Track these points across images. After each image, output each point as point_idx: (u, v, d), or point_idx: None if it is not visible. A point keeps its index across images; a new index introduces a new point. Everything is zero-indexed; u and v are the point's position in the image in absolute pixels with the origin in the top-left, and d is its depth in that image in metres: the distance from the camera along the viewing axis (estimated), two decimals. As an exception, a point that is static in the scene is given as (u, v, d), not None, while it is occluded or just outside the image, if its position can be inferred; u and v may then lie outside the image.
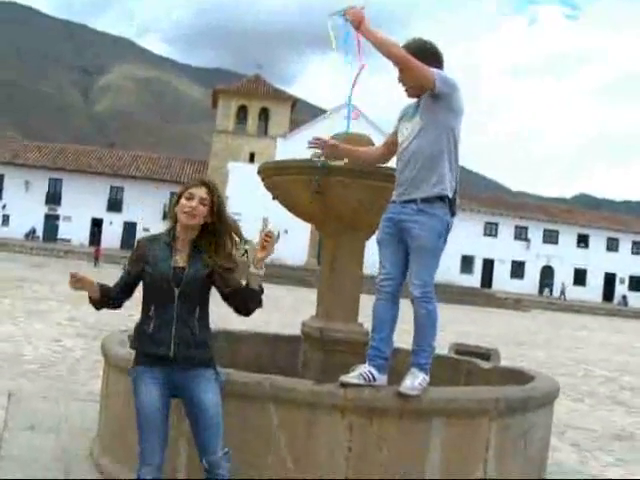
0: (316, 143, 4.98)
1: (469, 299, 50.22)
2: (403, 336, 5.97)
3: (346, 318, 5.80)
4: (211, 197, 3.89)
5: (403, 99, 4.68)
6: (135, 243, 4.02)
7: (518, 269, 70.90)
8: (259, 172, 5.99)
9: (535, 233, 71.39)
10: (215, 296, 4.01)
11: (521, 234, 71.40)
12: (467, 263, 68.83)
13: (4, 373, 9.55)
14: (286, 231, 57.89)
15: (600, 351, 23.85)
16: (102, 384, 5.58)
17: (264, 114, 65.56)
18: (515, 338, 25.43)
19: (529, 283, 70.03)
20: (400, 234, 4.42)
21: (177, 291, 3.78)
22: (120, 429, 4.93)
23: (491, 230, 70.55)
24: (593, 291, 71.40)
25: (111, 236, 64.41)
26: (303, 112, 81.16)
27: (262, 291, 3.91)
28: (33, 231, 63.51)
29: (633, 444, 9.48)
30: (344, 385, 4.29)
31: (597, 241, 72.45)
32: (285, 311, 24.59)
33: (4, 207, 64.53)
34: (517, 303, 54.10)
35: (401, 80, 4.49)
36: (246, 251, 3.95)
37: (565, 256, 70.97)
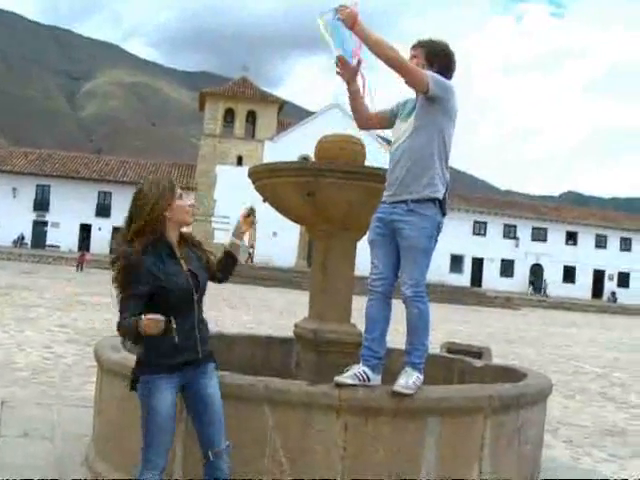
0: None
1: (459, 298, 50.33)
2: (397, 337, 6.00)
3: (339, 319, 5.81)
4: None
5: (400, 97, 4.69)
6: (136, 264, 3.63)
7: (507, 267, 71.01)
8: (249, 175, 5.99)
9: (524, 231, 71.51)
10: (212, 300, 4.02)
11: (510, 232, 71.53)
12: (457, 262, 68.89)
13: (-4, 381, 9.52)
14: (275, 233, 57.97)
15: (590, 348, 23.95)
16: (96, 389, 5.57)
17: (251, 117, 65.48)
18: (506, 336, 25.51)
19: (519, 281, 70.15)
20: (391, 234, 4.43)
21: (196, 297, 3.83)
22: (115, 433, 4.93)
23: (480, 229, 70.65)
24: (582, 288, 71.60)
25: (100, 241, 64.14)
26: (290, 114, 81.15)
27: (237, 260, 4.17)
28: (21, 238, 63.17)
29: (625, 439, 9.53)
30: (338, 385, 4.30)
31: (586, 238, 72.66)
32: (277, 313, 24.60)
33: (-9, 214, 64.20)
34: (507, 301, 54.23)
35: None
36: (250, 254, 4.05)
37: (554, 254, 71.13)
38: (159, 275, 3.68)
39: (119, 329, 3.65)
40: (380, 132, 5.16)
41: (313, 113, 67.42)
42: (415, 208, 4.34)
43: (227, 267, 4.16)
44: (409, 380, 4.29)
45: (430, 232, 4.38)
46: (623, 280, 73.27)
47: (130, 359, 4.95)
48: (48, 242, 63.67)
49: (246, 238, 4.09)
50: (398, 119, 4.57)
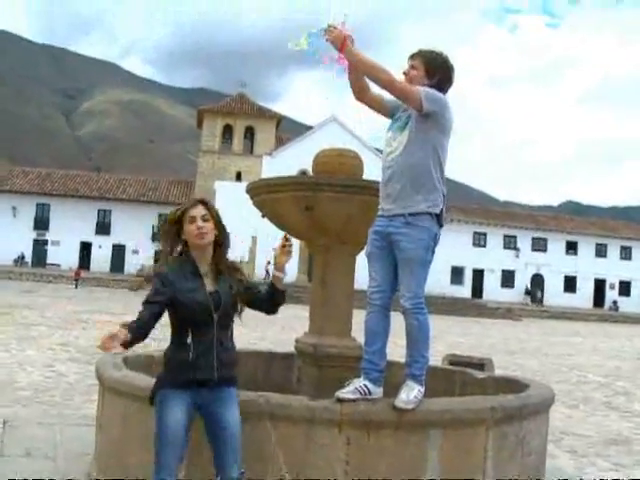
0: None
1: (460, 310, 50.22)
2: (395, 349, 6.00)
3: (339, 333, 5.81)
4: (210, 211, 3.96)
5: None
6: (156, 275, 3.91)
7: (508, 278, 70.96)
8: (247, 191, 6.01)
9: (524, 242, 71.50)
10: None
11: (510, 243, 71.52)
12: (457, 274, 68.86)
13: (-3, 401, 9.50)
14: (274, 249, 57.70)
15: (592, 357, 23.91)
16: (97, 407, 5.57)
17: (249, 132, 65.60)
18: (508, 347, 25.46)
19: (520, 292, 70.06)
20: (389, 247, 4.44)
21: (216, 317, 3.86)
22: (117, 451, 4.92)
23: (480, 240, 70.65)
24: (584, 297, 71.52)
25: (100, 259, 64.24)
26: (288, 129, 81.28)
27: (285, 290, 4.18)
28: (22, 257, 63.18)
29: (630, 448, 9.49)
30: (340, 400, 4.30)
31: (586, 247, 72.63)
32: (278, 328, 24.55)
33: (-9, 234, 64.21)
34: (508, 312, 54.14)
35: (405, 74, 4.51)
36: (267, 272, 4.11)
37: (554, 263, 71.10)
38: (177, 289, 3.82)
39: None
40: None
41: (311, 128, 67.51)
42: (412, 221, 4.35)
43: (272, 300, 4.18)
44: (410, 394, 4.29)
45: (427, 244, 4.39)
46: (624, 289, 73.22)
47: (131, 377, 4.97)
48: (49, 261, 63.69)
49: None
50: (391, 129, 4.56)
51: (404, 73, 4.50)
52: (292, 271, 61.18)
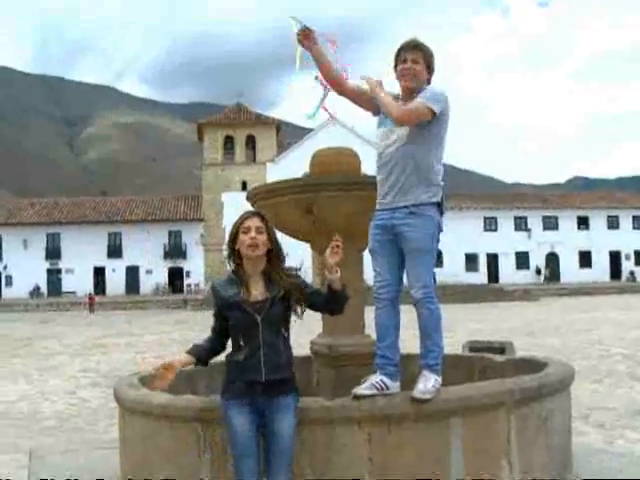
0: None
1: (477, 296, 50.06)
2: (405, 343, 5.97)
3: (352, 331, 5.79)
4: (265, 224, 4.11)
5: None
6: (211, 288, 4.20)
7: (523, 260, 70.74)
8: (248, 198, 6.01)
9: (535, 222, 71.29)
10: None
11: (521, 225, 71.32)
12: (471, 261, 68.75)
13: (23, 432, 9.54)
14: (287, 253, 57.65)
15: (613, 330, 23.77)
16: (119, 428, 5.56)
17: (251, 141, 65.76)
18: (528, 329, 25.36)
19: (535, 272, 69.88)
20: (393, 240, 4.42)
21: (259, 318, 3.97)
22: (141, 470, 4.90)
23: (491, 225, 70.48)
24: (600, 271, 71.21)
25: (115, 283, 64.42)
26: (289, 134, 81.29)
27: (345, 287, 4.21)
28: (37, 288, 63.48)
29: (658, 418, 9.44)
30: (357, 397, 4.28)
31: (597, 221, 72.33)
32: (295, 331, 24.53)
33: (5, 268, 64.52)
34: (525, 294, 53.94)
35: (408, 70, 4.49)
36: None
37: (567, 240, 70.84)
38: (222, 297, 4.07)
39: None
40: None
41: (312, 130, 67.53)
42: (415, 210, 4.35)
43: (333, 301, 4.23)
44: (427, 384, 4.27)
45: (433, 232, 4.39)
46: (640, 258, 72.87)
47: (148, 395, 4.97)
48: (64, 289, 63.98)
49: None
50: (386, 123, 4.54)
51: (408, 68, 4.46)
52: (306, 275, 61.21)
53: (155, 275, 65.14)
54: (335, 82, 4.74)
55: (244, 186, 63.06)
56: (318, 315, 4.84)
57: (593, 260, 71.97)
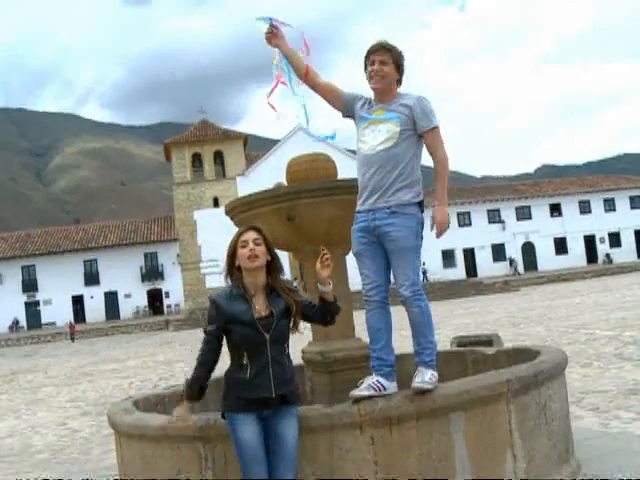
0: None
1: (458, 292, 50.30)
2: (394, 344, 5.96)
3: (343, 336, 5.78)
4: (262, 236, 4.09)
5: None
6: (210, 302, 4.08)
7: (499, 252, 71.04)
8: (227, 213, 5.98)
9: (508, 213, 71.66)
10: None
11: (494, 217, 71.66)
12: (448, 257, 68.91)
13: (16, 467, 9.41)
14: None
15: (596, 312, 23.92)
16: (117, 454, 5.50)
17: (218, 157, 65.50)
18: (512, 319, 25.47)
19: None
20: (376, 241, 4.41)
21: (268, 337, 3.94)
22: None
23: (464, 220, 70.73)
24: (576, 256, 71.66)
25: (94, 310, 63.90)
26: (257, 147, 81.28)
27: (336, 299, 4.26)
28: (16, 322, 62.80)
29: (650, 396, 9.49)
30: (356, 400, 4.26)
31: (569, 207, 72.81)
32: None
33: (-18, 304, 63.80)
34: (505, 285, 54.26)
35: (376, 72, 4.50)
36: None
37: (542, 229, 71.24)
38: (227, 313, 3.98)
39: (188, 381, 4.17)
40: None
41: (279, 141, 67.49)
42: (397, 210, 4.34)
43: (326, 312, 4.26)
44: (425, 377, 4.27)
45: (416, 230, 4.40)
46: (614, 240, 73.39)
47: (143, 418, 4.92)
48: (43, 321, 63.33)
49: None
50: (368, 122, 4.52)
51: (376, 70, 4.47)
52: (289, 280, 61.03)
53: (134, 298, 64.73)
54: (307, 77, 4.74)
55: (216, 202, 62.86)
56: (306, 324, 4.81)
57: (569, 246, 72.43)
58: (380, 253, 4.44)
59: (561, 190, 73.79)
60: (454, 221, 69.10)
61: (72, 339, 49.10)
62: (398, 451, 4.22)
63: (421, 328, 4.38)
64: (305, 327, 4.35)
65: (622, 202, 74.07)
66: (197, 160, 65.34)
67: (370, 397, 4.26)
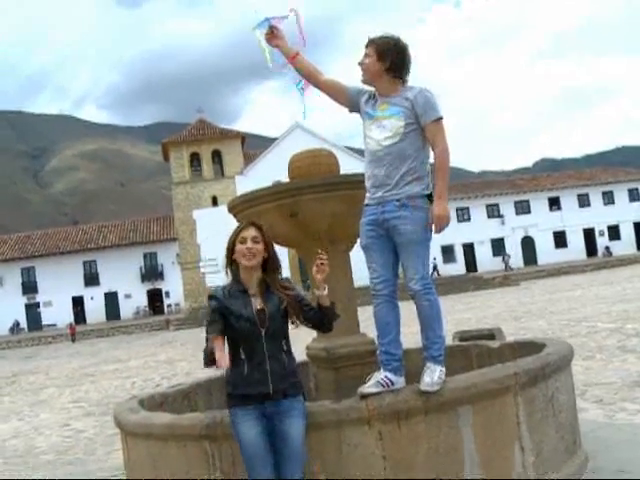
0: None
1: (458, 287, 50.23)
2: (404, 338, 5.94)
3: (348, 331, 5.75)
4: (261, 234, 4.09)
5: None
6: (209, 297, 4.08)
7: (498, 247, 71.01)
8: (230, 210, 5.95)
9: (507, 208, 71.64)
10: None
11: (493, 212, 71.64)
12: (448, 252, 68.90)
13: (21, 469, 9.41)
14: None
15: (597, 305, 23.93)
16: (123, 454, 5.48)
17: (217, 156, 65.46)
18: (513, 313, 25.49)
19: (513, 258, 70.14)
20: (385, 234, 4.39)
21: (263, 331, 3.95)
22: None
23: (464, 215, 70.71)
24: (576, 250, 71.62)
25: (95, 311, 63.87)
26: (255, 145, 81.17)
27: (334, 304, 4.21)
28: (17, 324, 62.76)
29: (655, 387, 9.49)
30: (364, 396, 4.24)
31: (568, 201, 72.76)
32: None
33: (-18, 307, 63.75)
34: (505, 279, 54.21)
35: (359, 64, 4.52)
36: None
37: (541, 223, 71.22)
38: (225, 307, 3.97)
39: (204, 351, 3.95)
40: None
41: (276, 139, 67.44)
42: (407, 202, 4.32)
43: (323, 318, 4.21)
44: (434, 376, 4.25)
45: (426, 222, 4.36)
46: (614, 233, 73.35)
47: (149, 417, 4.90)
48: (44, 322, 63.30)
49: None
50: (374, 118, 4.50)
51: (359, 63, 4.52)
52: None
53: (134, 299, 64.70)
54: (309, 74, 4.74)
55: (214, 201, 62.87)
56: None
57: (568, 240, 72.40)
58: (389, 246, 4.42)
59: (560, 184, 73.75)
60: (453, 216, 68.92)
61: (73, 340, 49.18)
62: (407, 446, 4.20)
63: (430, 322, 4.37)
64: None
65: (621, 195, 74.04)
66: (195, 160, 65.32)
67: (378, 393, 4.25)
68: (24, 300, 64.17)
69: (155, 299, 65.40)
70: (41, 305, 64.16)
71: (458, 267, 67.73)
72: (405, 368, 4.49)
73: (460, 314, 27.67)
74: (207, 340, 3.94)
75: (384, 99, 4.48)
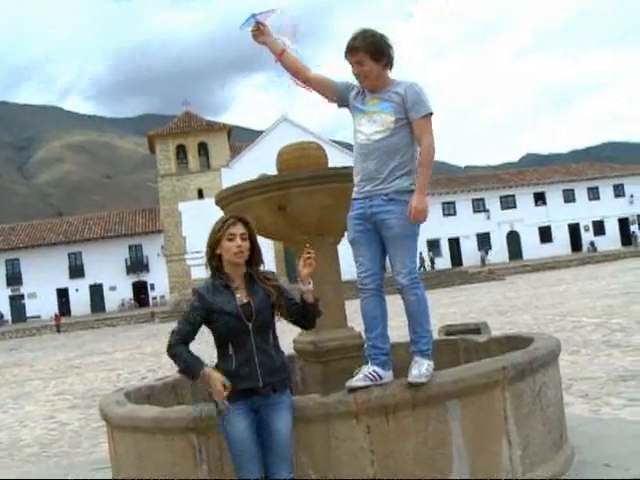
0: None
1: (443, 281, 50.41)
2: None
3: (335, 325, 5.74)
4: (248, 230, 4.07)
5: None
6: (193, 293, 4.06)
7: (484, 241, 71.19)
8: (217, 202, 5.92)
9: (492, 202, 71.80)
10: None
11: (479, 206, 71.79)
12: (434, 246, 68.99)
13: (6, 462, 9.36)
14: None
15: (582, 300, 24.03)
16: (109, 447, 5.46)
17: (203, 148, 65.24)
18: (498, 308, 25.57)
19: (497, 252, 70.33)
20: (373, 228, 4.38)
21: (251, 325, 3.93)
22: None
23: (450, 209, 70.83)
24: (561, 245, 71.93)
25: (79, 303, 63.61)
26: (240, 138, 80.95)
27: (317, 300, 4.15)
28: (0, 316, 62.50)
29: (639, 381, 9.53)
30: (352, 390, 4.24)
31: (554, 196, 73.00)
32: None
33: (-34, 298, 63.45)
34: (490, 274, 54.40)
35: (358, 74, 4.44)
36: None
37: (526, 218, 71.43)
38: (210, 303, 3.95)
39: (169, 350, 3.97)
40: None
41: (263, 132, 67.30)
42: (395, 197, 4.30)
43: (306, 314, 4.17)
44: (421, 369, 4.24)
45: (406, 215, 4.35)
46: (598, 228, 73.67)
47: (136, 410, 4.88)
48: (28, 314, 62.99)
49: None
50: (365, 112, 4.45)
51: (356, 75, 4.42)
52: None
53: (119, 291, 64.52)
54: (297, 71, 4.67)
55: (200, 194, 62.75)
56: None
57: (553, 235, 72.67)
58: (376, 240, 4.40)
59: (545, 179, 74.00)
60: (439, 211, 69.12)
61: (58, 330, 49.00)
62: (395, 440, 4.20)
63: (417, 317, 4.36)
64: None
65: (606, 190, 74.33)
66: (181, 152, 65.09)
67: (366, 387, 4.25)
68: (8, 292, 63.84)
69: (140, 291, 65.21)
70: (25, 297, 63.84)
71: (444, 261, 67.97)
72: (392, 362, 4.48)
73: (445, 308, 27.72)
74: (172, 346, 3.94)
75: (374, 94, 4.44)
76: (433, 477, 4.21)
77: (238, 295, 4.00)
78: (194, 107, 71.88)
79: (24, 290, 63.83)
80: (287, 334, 5.12)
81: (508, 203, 72.36)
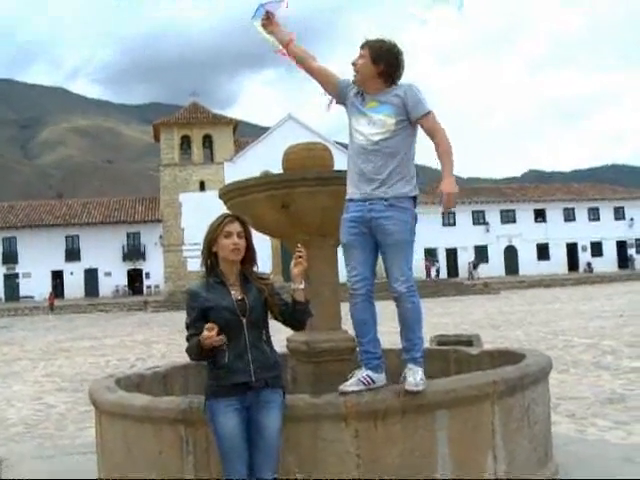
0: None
1: (438, 291, 50.40)
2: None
3: (330, 327, 5.75)
4: (244, 228, 4.10)
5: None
6: (188, 293, 4.11)
7: (481, 253, 71.20)
8: (221, 196, 5.93)
9: (492, 215, 71.78)
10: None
11: (479, 218, 71.76)
12: (430, 256, 68.93)
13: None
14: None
15: (575, 320, 24.07)
16: (96, 433, 5.47)
17: (207, 141, 65.24)
18: (491, 321, 25.60)
19: (494, 266, 70.33)
20: (369, 233, 4.38)
21: (245, 321, 3.95)
22: (123, 474, 4.83)
23: (449, 219, 70.73)
24: (558, 263, 71.93)
25: (74, 286, 63.54)
26: (246, 133, 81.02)
27: (308, 301, 4.16)
28: (-6, 294, 62.47)
29: (626, 405, 9.58)
30: (344, 394, 4.25)
31: (554, 214, 73.04)
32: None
33: (-39, 274, 63.40)
34: (486, 287, 54.41)
35: (354, 63, 4.50)
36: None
37: (525, 233, 71.44)
38: (205, 299, 3.99)
39: (186, 350, 4.03)
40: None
41: (268, 129, 67.30)
42: (395, 203, 4.31)
43: (296, 314, 4.16)
44: (416, 377, 4.26)
45: (412, 225, 4.38)
46: (596, 250, 73.68)
47: (127, 397, 4.89)
48: (22, 294, 62.89)
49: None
50: (364, 113, 4.48)
51: (352, 63, 4.51)
52: (266, 272, 60.88)
53: (114, 277, 64.45)
54: (303, 60, 4.73)
55: (202, 186, 62.75)
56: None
57: (551, 252, 72.67)
58: (370, 245, 4.41)
59: (547, 196, 74.02)
60: (438, 220, 69.03)
61: (52, 309, 49.02)
62: (381, 445, 4.22)
63: (412, 324, 4.37)
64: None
65: (606, 212, 74.37)
66: (186, 143, 65.08)
67: (359, 392, 4.27)
68: (3, 270, 63.77)
69: (135, 279, 65.17)
70: (20, 276, 63.76)
71: (440, 271, 67.89)
72: (385, 365, 4.50)
73: (438, 318, 27.75)
74: (189, 339, 3.98)
75: (373, 97, 4.47)
76: (417, 485, 4.23)
77: (233, 292, 4.03)
78: (202, 98, 71.99)
79: (19, 269, 63.75)
80: (282, 333, 5.14)
81: (508, 217, 72.35)
